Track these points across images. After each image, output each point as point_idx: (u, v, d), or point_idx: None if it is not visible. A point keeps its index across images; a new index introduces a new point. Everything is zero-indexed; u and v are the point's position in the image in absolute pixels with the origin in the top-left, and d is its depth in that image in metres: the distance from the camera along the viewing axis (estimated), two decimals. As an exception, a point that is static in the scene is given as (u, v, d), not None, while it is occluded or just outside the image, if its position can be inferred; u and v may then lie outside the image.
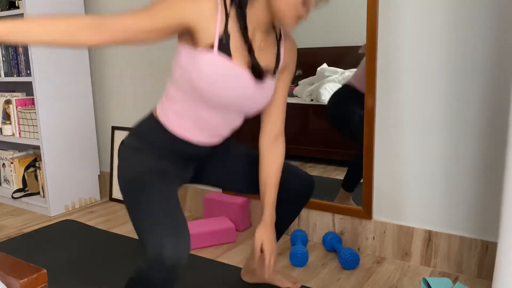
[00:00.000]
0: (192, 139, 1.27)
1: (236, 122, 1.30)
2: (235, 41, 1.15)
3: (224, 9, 1.13)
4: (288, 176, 1.43)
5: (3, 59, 2.58)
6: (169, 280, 1.05)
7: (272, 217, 1.38)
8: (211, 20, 1.11)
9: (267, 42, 1.23)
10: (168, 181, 1.21)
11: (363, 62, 1.82)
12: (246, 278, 1.64)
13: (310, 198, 1.48)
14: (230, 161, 1.43)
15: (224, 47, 1.13)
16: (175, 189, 1.22)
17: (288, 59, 1.32)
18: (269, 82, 1.25)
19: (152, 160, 1.25)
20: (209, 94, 1.16)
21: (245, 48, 1.17)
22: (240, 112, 1.26)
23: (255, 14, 1.16)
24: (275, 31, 1.27)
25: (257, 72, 1.19)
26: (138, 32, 1.05)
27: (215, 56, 1.12)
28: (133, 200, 1.17)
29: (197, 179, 1.44)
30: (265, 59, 1.23)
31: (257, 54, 1.20)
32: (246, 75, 1.18)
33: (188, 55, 1.15)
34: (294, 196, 1.46)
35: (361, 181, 1.87)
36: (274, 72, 1.27)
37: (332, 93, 2.02)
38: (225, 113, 1.24)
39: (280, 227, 1.53)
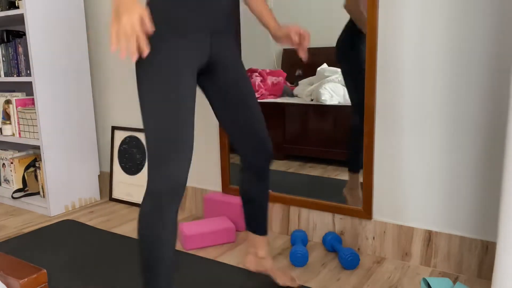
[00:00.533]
0: None
1: None
2: None
3: None
4: (249, 148, 1.44)
5: (3, 59, 2.58)
6: (171, 200, 1.17)
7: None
8: None
9: None
10: (183, 79, 1.21)
11: None
12: (251, 266, 1.63)
13: (268, 169, 1.49)
14: (230, 89, 1.40)
15: None
16: (191, 81, 1.22)
17: None
18: None
19: (166, 52, 1.20)
20: None
21: None
22: None
23: None
24: None
25: None
26: None
27: None
28: (143, 106, 1.21)
29: (205, 75, 1.39)
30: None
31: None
32: None
33: None
34: (252, 167, 1.47)
35: (361, 181, 1.87)
36: None
37: (332, 93, 2.02)
38: None
39: (257, 204, 1.54)
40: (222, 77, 1.37)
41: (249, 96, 1.41)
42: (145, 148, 1.21)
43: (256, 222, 1.56)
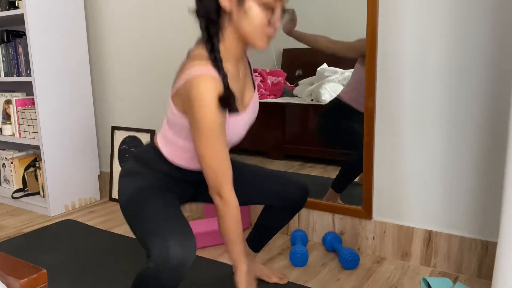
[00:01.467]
0: (193, 168, 1.33)
1: (233, 145, 1.37)
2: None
3: (221, 76, 1.16)
4: (283, 184, 1.47)
5: (3, 59, 2.58)
6: (175, 279, 1.09)
7: None
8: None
9: (243, 68, 1.32)
10: (168, 194, 1.28)
11: (354, 75, 1.84)
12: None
13: (302, 206, 1.52)
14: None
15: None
16: (176, 199, 1.29)
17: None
18: (254, 99, 1.34)
19: (151, 180, 1.30)
20: None
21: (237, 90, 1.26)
22: (229, 145, 1.34)
23: (230, 51, 1.22)
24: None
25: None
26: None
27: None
28: (135, 211, 1.22)
29: (195, 198, 1.48)
30: (246, 77, 1.31)
31: (242, 85, 1.29)
32: (243, 118, 1.27)
33: (184, 119, 1.21)
34: (289, 204, 1.49)
35: (355, 181, 1.87)
36: (252, 78, 1.37)
37: (332, 93, 2.02)
38: None
39: (270, 232, 1.57)
40: None
41: (244, 167, 1.49)
42: (144, 242, 1.18)
43: (260, 241, 1.60)
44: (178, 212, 1.20)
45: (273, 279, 1.63)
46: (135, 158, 1.34)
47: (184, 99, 1.16)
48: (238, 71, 1.26)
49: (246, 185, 1.46)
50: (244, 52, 1.26)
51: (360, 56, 1.81)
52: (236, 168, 1.46)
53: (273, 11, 1.14)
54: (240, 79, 1.28)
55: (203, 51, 1.18)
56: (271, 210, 1.53)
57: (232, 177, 1.21)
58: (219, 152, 1.17)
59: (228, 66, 1.22)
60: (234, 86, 1.23)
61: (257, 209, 2.18)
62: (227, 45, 1.20)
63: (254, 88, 1.37)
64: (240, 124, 1.27)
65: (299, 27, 1.74)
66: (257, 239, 1.60)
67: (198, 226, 2.02)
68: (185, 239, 1.09)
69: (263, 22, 1.14)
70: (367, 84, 1.76)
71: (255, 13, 1.13)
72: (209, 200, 1.47)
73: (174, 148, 1.29)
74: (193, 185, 1.41)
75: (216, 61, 1.16)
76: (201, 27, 1.19)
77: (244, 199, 1.48)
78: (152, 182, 1.29)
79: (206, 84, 1.11)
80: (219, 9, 1.16)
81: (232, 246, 1.24)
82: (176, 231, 1.10)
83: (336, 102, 1.96)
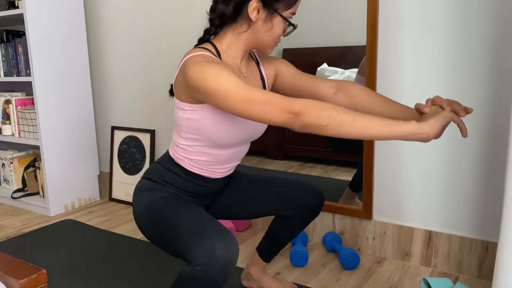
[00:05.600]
0: (208, 176, 1.31)
1: (246, 150, 1.35)
2: None
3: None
4: (296, 190, 1.43)
5: (3, 59, 2.58)
6: (224, 279, 1.07)
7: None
8: None
9: (249, 69, 1.30)
10: (189, 202, 1.27)
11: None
12: (244, 283, 1.64)
13: (318, 213, 1.46)
14: (239, 191, 1.45)
15: None
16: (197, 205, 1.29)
17: (271, 69, 1.37)
18: None
19: (168, 193, 1.28)
20: (220, 138, 1.21)
21: None
22: (249, 140, 1.32)
23: (233, 50, 1.22)
24: (252, 56, 1.34)
25: None
26: None
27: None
28: (161, 221, 1.19)
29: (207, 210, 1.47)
30: (253, 85, 1.29)
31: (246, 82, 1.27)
32: None
33: (195, 111, 1.18)
34: (302, 211, 1.44)
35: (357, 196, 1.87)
36: None
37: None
38: (236, 147, 1.29)
39: (282, 242, 1.53)
40: (224, 198, 1.45)
41: (254, 177, 1.47)
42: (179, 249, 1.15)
43: (269, 252, 1.56)
44: (208, 214, 1.17)
45: None
46: (146, 178, 1.32)
47: (185, 84, 1.14)
48: (239, 69, 1.26)
49: (258, 198, 1.44)
50: (246, 53, 1.26)
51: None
52: (247, 181, 1.45)
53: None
54: (243, 78, 1.27)
55: (197, 48, 1.19)
56: (284, 220, 1.47)
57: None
58: (255, 95, 1.03)
59: (227, 60, 1.22)
60: None
61: (257, 209, 2.18)
62: (228, 44, 1.22)
63: None
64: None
65: (299, 27, 1.73)
66: (268, 250, 1.55)
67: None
68: (228, 238, 1.07)
69: (281, 34, 1.21)
70: (367, 84, 1.76)
71: (278, 27, 1.19)
72: (217, 215, 1.47)
73: (187, 157, 1.27)
74: (206, 199, 1.39)
75: (214, 47, 1.19)
76: (211, 23, 1.22)
77: (258, 212, 1.46)
78: (169, 194, 1.27)
79: (200, 56, 1.12)
80: (237, 15, 1.18)
81: (384, 128, 0.97)
82: (217, 232, 1.07)
83: None
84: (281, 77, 1.36)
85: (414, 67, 1.68)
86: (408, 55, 1.68)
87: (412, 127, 0.96)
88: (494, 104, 1.55)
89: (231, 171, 1.38)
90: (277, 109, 1.02)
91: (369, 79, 1.75)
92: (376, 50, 1.73)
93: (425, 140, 0.97)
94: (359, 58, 1.84)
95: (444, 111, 1.01)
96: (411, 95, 1.70)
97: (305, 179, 1.47)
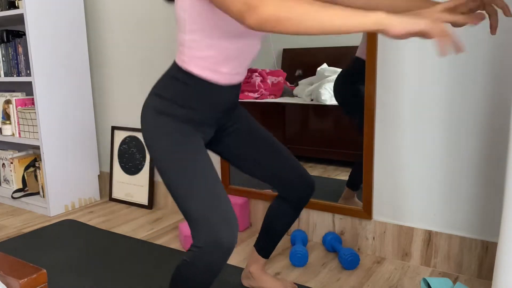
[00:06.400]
0: (217, 81, 1.22)
1: (256, 48, 1.25)
2: None
3: None
4: (292, 175, 1.43)
5: (3, 59, 2.58)
6: (223, 261, 1.12)
7: None
8: None
9: None
10: (200, 149, 1.22)
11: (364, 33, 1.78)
12: (245, 282, 1.64)
13: (307, 202, 1.49)
14: (246, 143, 1.41)
15: None
16: (209, 160, 1.23)
17: None
18: None
19: (177, 125, 1.22)
20: (223, 20, 1.12)
21: None
22: (259, 34, 1.22)
23: None
24: None
25: None
26: None
27: None
28: (174, 174, 1.18)
29: (215, 143, 1.42)
30: None
31: None
32: None
33: None
34: (294, 198, 1.46)
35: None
36: None
37: (332, 93, 2.02)
38: (245, 39, 1.20)
39: (276, 234, 1.54)
40: (235, 136, 1.41)
41: (269, 139, 1.43)
42: (188, 216, 1.17)
43: (267, 247, 1.57)
44: (219, 185, 1.18)
45: None
46: (155, 94, 1.26)
47: None
48: None
49: (261, 160, 1.42)
50: None
51: None
52: (262, 137, 1.42)
53: None
54: None
55: None
56: (274, 210, 1.51)
57: None
58: None
59: None
60: None
61: (257, 210, 2.18)
62: None
63: None
64: None
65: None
66: (264, 244, 1.56)
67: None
68: (233, 223, 1.12)
69: None
70: (367, 85, 1.76)
71: None
72: (220, 152, 1.42)
73: (193, 55, 1.19)
74: (213, 127, 1.32)
75: None
76: None
77: (255, 172, 1.44)
78: (179, 127, 1.21)
79: None
80: None
81: (345, 20, 0.87)
82: (224, 217, 1.12)
83: (357, 61, 1.88)
84: None
85: (414, 66, 1.68)
86: (409, 55, 1.68)
87: (375, 17, 0.86)
88: (494, 104, 1.55)
89: (241, 78, 1.29)
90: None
91: (369, 79, 1.75)
92: (376, 50, 1.73)
93: (385, 34, 0.87)
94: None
95: (430, 20, 0.85)
96: (411, 95, 1.70)
97: (302, 167, 1.47)
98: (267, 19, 0.89)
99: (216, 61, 1.20)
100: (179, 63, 1.23)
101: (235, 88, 1.30)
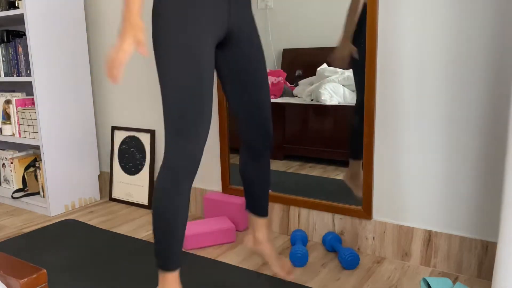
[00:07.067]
0: None
1: None
2: None
3: None
4: (252, 128, 1.45)
5: (3, 59, 2.58)
6: (191, 169, 1.24)
7: None
8: None
9: None
10: (206, 52, 1.23)
11: None
12: (249, 244, 1.66)
13: (267, 152, 1.50)
14: (247, 65, 1.40)
15: None
16: (211, 56, 1.24)
17: None
18: None
19: (186, 13, 1.22)
20: None
21: None
22: None
23: None
24: None
25: None
26: None
27: None
28: (165, 71, 1.21)
29: (223, 51, 1.39)
30: None
31: None
32: None
33: None
34: (252, 152, 1.49)
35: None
36: None
37: (332, 93, 2.02)
38: None
39: (259, 187, 1.55)
40: (237, 55, 1.37)
41: (262, 77, 1.42)
42: (164, 121, 1.22)
43: (255, 203, 1.56)
44: (207, 88, 1.21)
45: (276, 270, 1.59)
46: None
47: None
48: None
49: (247, 100, 1.42)
50: None
51: None
52: (255, 77, 1.41)
53: None
54: None
55: None
56: (242, 166, 1.54)
57: None
58: None
59: None
60: None
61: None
62: None
63: None
64: None
65: (297, 27, 1.74)
66: (253, 202, 1.57)
67: (198, 226, 2.02)
68: (199, 142, 1.21)
69: None
70: (367, 84, 1.76)
71: None
72: (225, 66, 1.40)
73: None
74: (227, 5, 1.30)
75: None
76: None
77: (237, 103, 1.44)
78: (186, 34, 1.21)
79: None
80: None
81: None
82: (192, 137, 1.19)
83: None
84: None
85: (414, 66, 1.68)
86: (408, 55, 1.68)
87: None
88: (494, 104, 1.55)
89: None
90: None
91: (369, 79, 1.75)
92: (376, 50, 1.73)
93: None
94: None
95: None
96: (411, 95, 1.70)
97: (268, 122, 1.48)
98: None
99: None
100: None
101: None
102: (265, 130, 1.47)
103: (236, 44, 1.35)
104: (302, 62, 2.09)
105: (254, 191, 1.56)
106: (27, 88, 2.84)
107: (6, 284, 0.87)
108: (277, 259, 1.61)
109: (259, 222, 1.59)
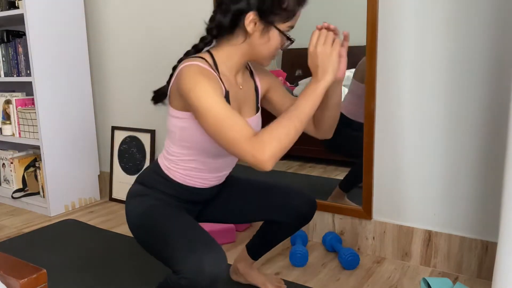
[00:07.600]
0: (199, 186, 1.32)
1: (236, 159, 1.35)
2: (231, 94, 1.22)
3: (217, 74, 1.18)
4: (290, 196, 1.42)
5: (3, 59, 2.58)
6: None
7: None
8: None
9: (244, 80, 1.30)
10: (181, 210, 1.27)
11: (350, 89, 1.84)
12: (233, 276, 1.66)
13: (309, 221, 1.46)
14: (232, 196, 1.45)
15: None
16: (187, 214, 1.27)
17: (265, 82, 1.37)
18: (252, 119, 1.31)
19: (160, 200, 1.29)
20: (213, 147, 1.21)
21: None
22: None
23: (230, 62, 1.22)
24: (246, 66, 1.34)
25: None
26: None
27: None
28: (152, 229, 1.19)
29: (198, 218, 1.46)
30: (247, 96, 1.30)
31: (240, 97, 1.27)
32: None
33: (188, 119, 1.18)
34: (294, 219, 1.43)
35: (360, 185, 1.87)
36: (257, 103, 1.34)
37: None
38: (228, 156, 1.29)
39: (272, 244, 1.53)
40: (217, 208, 1.45)
41: (248, 185, 1.46)
42: (167, 259, 1.16)
43: (257, 251, 1.57)
44: (199, 226, 1.17)
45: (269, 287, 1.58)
46: (139, 183, 1.33)
47: (179, 93, 1.15)
48: (235, 81, 1.26)
49: (249, 203, 1.43)
50: (243, 65, 1.26)
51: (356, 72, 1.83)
52: (242, 186, 1.45)
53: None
54: (239, 90, 1.26)
55: (194, 58, 1.19)
56: (276, 223, 1.46)
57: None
58: (227, 129, 1.06)
59: (224, 70, 1.22)
60: (229, 89, 1.22)
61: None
62: (226, 56, 1.22)
63: (257, 111, 1.34)
64: None
65: (297, 27, 1.74)
66: (257, 249, 1.56)
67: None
68: (217, 252, 1.06)
69: (278, 47, 1.21)
70: (367, 84, 1.76)
71: (275, 40, 1.19)
72: (210, 219, 1.47)
73: (178, 166, 1.27)
74: (198, 205, 1.39)
75: (212, 58, 1.20)
76: (208, 32, 1.21)
77: (251, 217, 1.45)
78: (161, 201, 1.28)
79: (195, 66, 1.12)
80: (235, 26, 1.17)
81: (312, 102, 1.13)
82: (206, 246, 1.07)
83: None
84: (271, 93, 1.39)
85: (414, 67, 1.68)
86: (408, 55, 1.68)
87: (323, 84, 1.14)
88: (494, 104, 1.55)
89: (223, 179, 1.38)
90: (242, 150, 1.06)
91: (369, 79, 1.75)
92: (376, 50, 1.73)
93: (337, 80, 1.21)
94: (359, 58, 1.84)
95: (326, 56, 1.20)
96: (411, 95, 1.70)
97: (298, 186, 1.46)
98: (273, 156, 1.07)
99: (199, 172, 1.28)
100: (163, 167, 1.31)
101: (216, 187, 1.38)
102: (305, 201, 1.42)
103: (218, 202, 1.45)
104: (302, 62, 2.09)
105: (267, 244, 1.53)
106: (27, 88, 2.84)
107: (6, 284, 0.87)
108: (268, 280, 1.60)
109: (250, 261, 1.59)
